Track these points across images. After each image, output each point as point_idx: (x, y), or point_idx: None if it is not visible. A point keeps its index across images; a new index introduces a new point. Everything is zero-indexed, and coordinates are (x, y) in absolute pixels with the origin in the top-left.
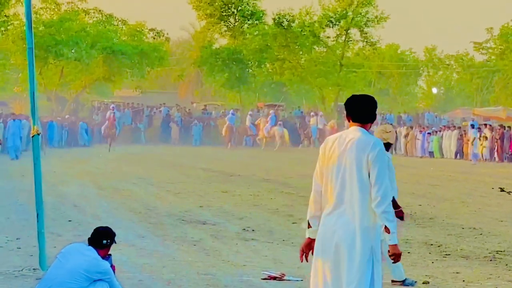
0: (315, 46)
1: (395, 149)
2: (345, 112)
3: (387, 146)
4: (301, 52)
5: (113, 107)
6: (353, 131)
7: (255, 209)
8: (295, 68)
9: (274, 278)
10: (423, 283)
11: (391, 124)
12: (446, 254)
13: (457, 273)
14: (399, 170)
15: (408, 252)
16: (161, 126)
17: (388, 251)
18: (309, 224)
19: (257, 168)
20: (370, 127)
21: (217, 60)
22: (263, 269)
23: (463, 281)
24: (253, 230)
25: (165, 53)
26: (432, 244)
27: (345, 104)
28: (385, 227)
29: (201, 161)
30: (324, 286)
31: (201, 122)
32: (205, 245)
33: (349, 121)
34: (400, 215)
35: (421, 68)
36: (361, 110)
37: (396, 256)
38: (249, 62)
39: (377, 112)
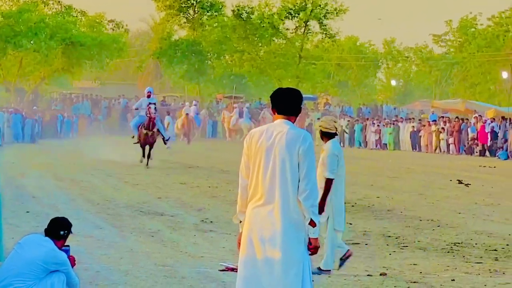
0: (274, 38)
1: (344, 142)
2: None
3: (333, 135)
4: (260, 44)
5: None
6: (281, 124)
7: (213, 200)
8: (254, 60)
9: (232, 269)
10: (381, 274)
11: (350, 116)
12: (404, 246)
13: (414, 264)
14: (357, 162)
15: (366, 244)
16: (120, 118)
17: (309, 243)
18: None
19: (216, 160)
20: (295, 120)
21: (176, 52)
22: (220, 261)
23: (420, 272)
24: (211, 222)
25: (124, 45)
26: (390, 236)
27: (271, 96)
28: (311, 220)
29: (159, 152)
30: (256, 280)
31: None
32: (162, 236)
33: (274, 114)
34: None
35: (380, 61)
36: (286, 103)
37: (316, 249)
38: (208, 54)
39: (332, 104)
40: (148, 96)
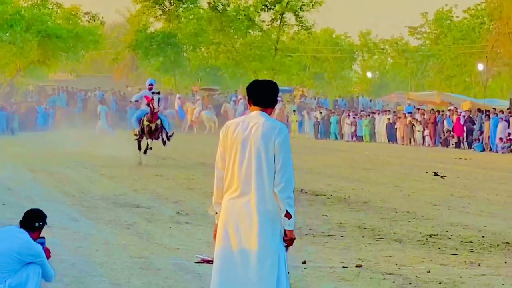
0: (250, 30)
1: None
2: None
3: None
4: (236, 36)
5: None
6: (256, 116)
7: (189, 192)
8: (230, 52)
9: (208, 261)
10: (356, 266)
11: (326, 108)
12: (380, 238)
13: (390, 256)
14: (333, 154)
15: (342, 236)
16: (96, 110)
17: (285, 235)
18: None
19: (191, 152)
20: (271, 112)
21: (152, 44)
22: (196, 253)
23: (396, 264)
24: (187, 214)
25: (100, 37)
26: (365, 228)
27: (247, 88)
28: (286, 212)
29: (135, 144)
30: (232, 272)
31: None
32: (138, 228)
33: (250, 105)
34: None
35: (356, 53)
36: (262, 94)
37: (292, 241)
38: (184, 46)
39: (308, 96)
40: (150, 89)
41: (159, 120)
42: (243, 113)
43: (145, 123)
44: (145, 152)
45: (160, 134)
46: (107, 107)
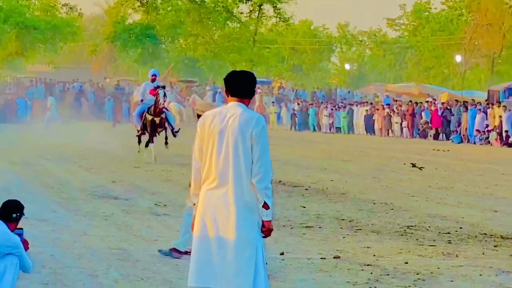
0: (228, 22)
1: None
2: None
3: None
4: (214, 28)
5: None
6: (234, 107)
7: (167, 184)
8: (208, 44)
9: (186, 252)
10: (334, 257)
11: (305, 100)
12: (357, 229)
13: (368, 247)
14: (311, 146)
15: (320, 227)
16: (74, 102)
17: (263, 226)
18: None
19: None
20: (249, 103)
21: (130, 36)
22: (174, 244)
23: (374, 255)
24: (164, 205)
25: (78, 28)
26: (343, 219)
27: (225, 79)
28: (264, 202)
29: (113, 136)
30: (210, 263)
31: (113, 98)
32: (116, 220)
33: (227, 96)
34: None
35: (334, 44)
36: (240, 85)
37: (269, 232)
38: (162, 38)
39: (286, 88)
40: (153, 80)
41: (164, 114)
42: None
43: (148, 117)
44: (146, 145)
45: (164, 130)
46: (55, 98)
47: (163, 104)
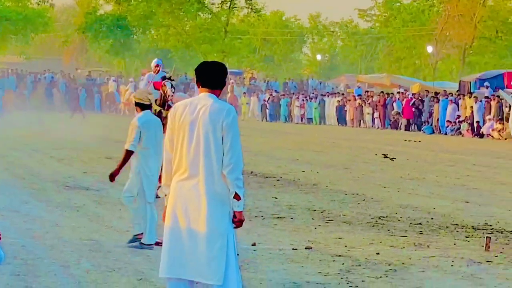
0: (200, 13)
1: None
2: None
3: (147, 107)
4: (186, 19)
5: None
6: (205, 98)
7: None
8: (180, 35)
9: (157, 243)
10: (306, 248)
11: (276, 91)
12: (329, 220)
13: (339, 238)
14: (283, 137)
15: (291, 218)
16: (46, 93)
17: (234, 216)
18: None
19: None
20: (220, 94)
21: (102, 27)
22: None
23: (346, 246)
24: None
25: (49, 19)
26: (315, 210)
27: (196, 70)
28: (235, 193)
29: (85, 127)
30: (181, 254)
31: (85, 88)
32: (88, 211)
33: (198, 87)
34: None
35: (306, 35)
36: (211, 76)
37: (241, 222)
38: (134, 29)
39: (258, 79)
40: (157, 71)
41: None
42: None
43: (156, 107)
44: None
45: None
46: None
47: (172, 96)
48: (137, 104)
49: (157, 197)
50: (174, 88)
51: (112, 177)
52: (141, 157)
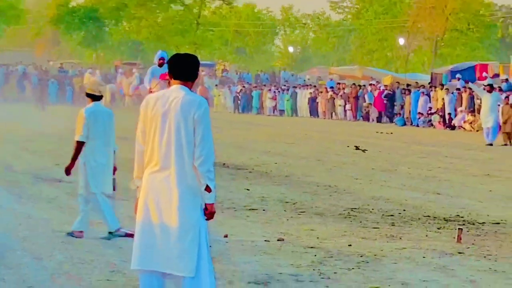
0: (172, 5)
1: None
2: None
3: (98, 98)
4: (158, 11)
5: None
6: (176, 90)
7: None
8: (152, 27)
9: (129, 235)
10: (278, 240)
11: (248, 82)
12: (301, 212)
13: (311, 230)
14: (255, 129)
15: (264, 210)
16: (17, 85)
17: (205, 209)
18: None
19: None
20: (192, 86)
21: (74, 19)
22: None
23: (318, 238)
24: None
25: (21, 11)
26: (287, 202)
27: (168, 62)
28: (206, 185)
29: (58, 119)
30: (153, 246)
31: (57, 80)
32: (60, 202)
33: (170, 79)
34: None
35: (278, 27)
36: (183, 68)
37: (212, 215)
38: (106, 21)
39: (230, 71)
40: (161, 64)
41: None
42: (136, 87)
43: None
44: None
45: None
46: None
47: None
48: (88, 95)
49: (114, 189)
50: None
51: (67, 170)
52: (87, 148)
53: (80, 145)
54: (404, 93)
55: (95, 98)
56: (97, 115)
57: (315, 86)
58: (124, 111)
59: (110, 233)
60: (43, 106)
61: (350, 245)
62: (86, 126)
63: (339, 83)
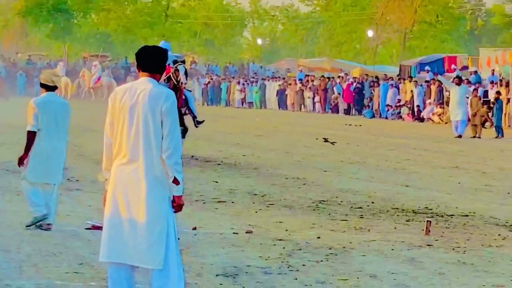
0: None
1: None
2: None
3: (52, 88)
4: (126, 3)
5: None
6: (144, 82)
7: (79, 159)
8: (120, 19)
9: (98, 227)
10: (247, 232)
11: (217, 75)
12: (270, 204)
13: (280, 222)
14: (223, 121)
15: (232, 202)
16: None
17: (173, 201)
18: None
19: (82, 119)
20: (160, 78)
21: (42, 11)
22: (86, 219)
23: (286, 230)
24: (77, 180)
25: None
26: (256, 194)
27: (136, 54)
28: (174, 178)
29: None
30: (121, 238)
31: (25, 72)
32: None
33: (139, 71)
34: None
35: (247, 19)
36: (151, 60)
37: (180, 207)
38: (74, 13)
39: (199, 63)
40: None
41: (184, 97)
42: (98, 79)
43: None
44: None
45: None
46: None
47: (185, 83)
48: (42, 86)
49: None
50: (187, 75)
51: (20, 160)
52: (37, 138)
53: (31, 135)
54: (373, 85)
55: (49, 88)
56: (49, 105)
57: (284, 78)
58: (90, 103)
59: (37, 222)
60: (6, 97)
61: (319, 238)
62: (36, 116)
63: (307, 75)
